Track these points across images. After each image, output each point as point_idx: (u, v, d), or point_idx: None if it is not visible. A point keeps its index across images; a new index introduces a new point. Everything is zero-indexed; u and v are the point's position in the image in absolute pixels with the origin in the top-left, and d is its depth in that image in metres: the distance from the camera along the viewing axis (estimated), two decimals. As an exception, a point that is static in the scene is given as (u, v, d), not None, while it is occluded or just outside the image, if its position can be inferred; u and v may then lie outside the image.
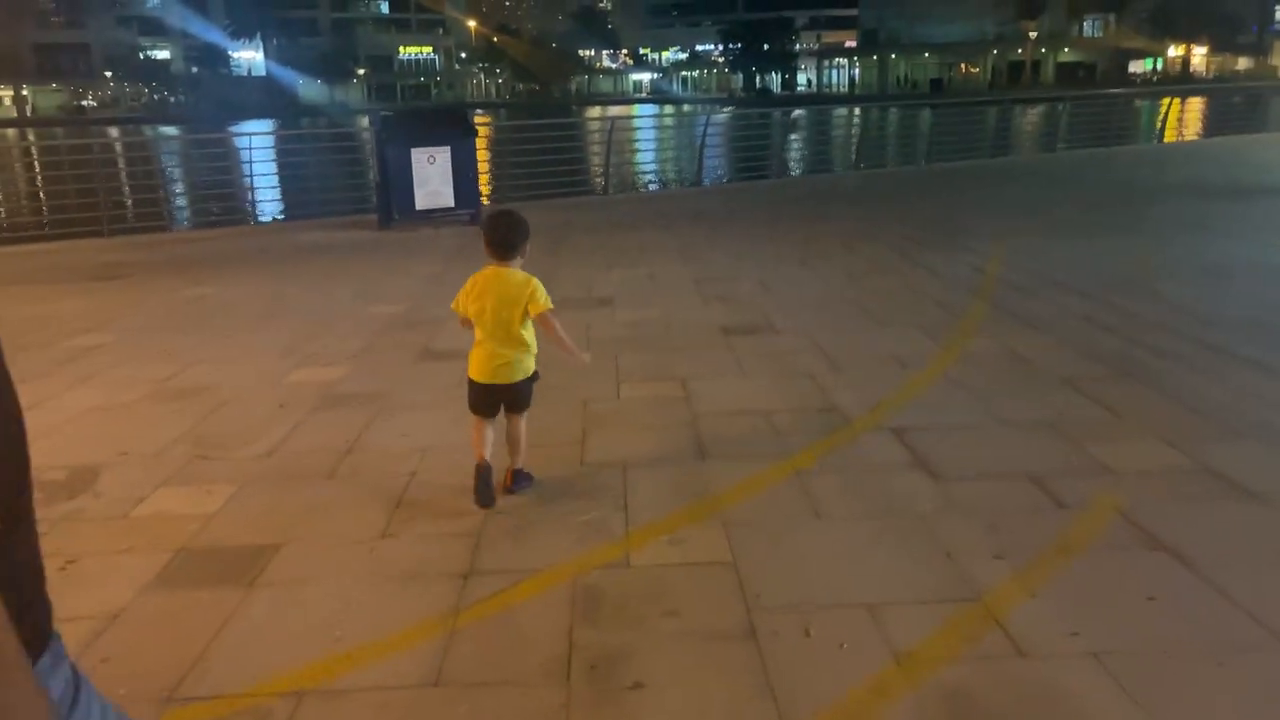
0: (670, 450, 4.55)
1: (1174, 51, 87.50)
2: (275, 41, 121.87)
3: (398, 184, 12.69)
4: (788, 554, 3.49)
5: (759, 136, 24.74)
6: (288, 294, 8.64)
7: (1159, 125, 24.81)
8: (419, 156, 12.72)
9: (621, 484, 4.16)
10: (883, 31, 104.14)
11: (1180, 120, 26.01)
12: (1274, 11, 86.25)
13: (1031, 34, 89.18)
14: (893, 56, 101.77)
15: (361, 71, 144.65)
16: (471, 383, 4.00)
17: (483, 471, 3.95)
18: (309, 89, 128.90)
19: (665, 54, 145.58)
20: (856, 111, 27.53)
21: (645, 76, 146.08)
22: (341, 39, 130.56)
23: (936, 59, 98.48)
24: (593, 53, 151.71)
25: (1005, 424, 4.75)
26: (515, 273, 3.91)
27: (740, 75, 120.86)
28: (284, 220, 15.43)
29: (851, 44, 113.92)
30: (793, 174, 21.14)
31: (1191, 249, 9.26)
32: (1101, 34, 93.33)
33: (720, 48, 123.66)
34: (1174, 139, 24.63)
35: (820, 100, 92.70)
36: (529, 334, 3.95)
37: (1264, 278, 7.89)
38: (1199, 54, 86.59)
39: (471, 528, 3.78)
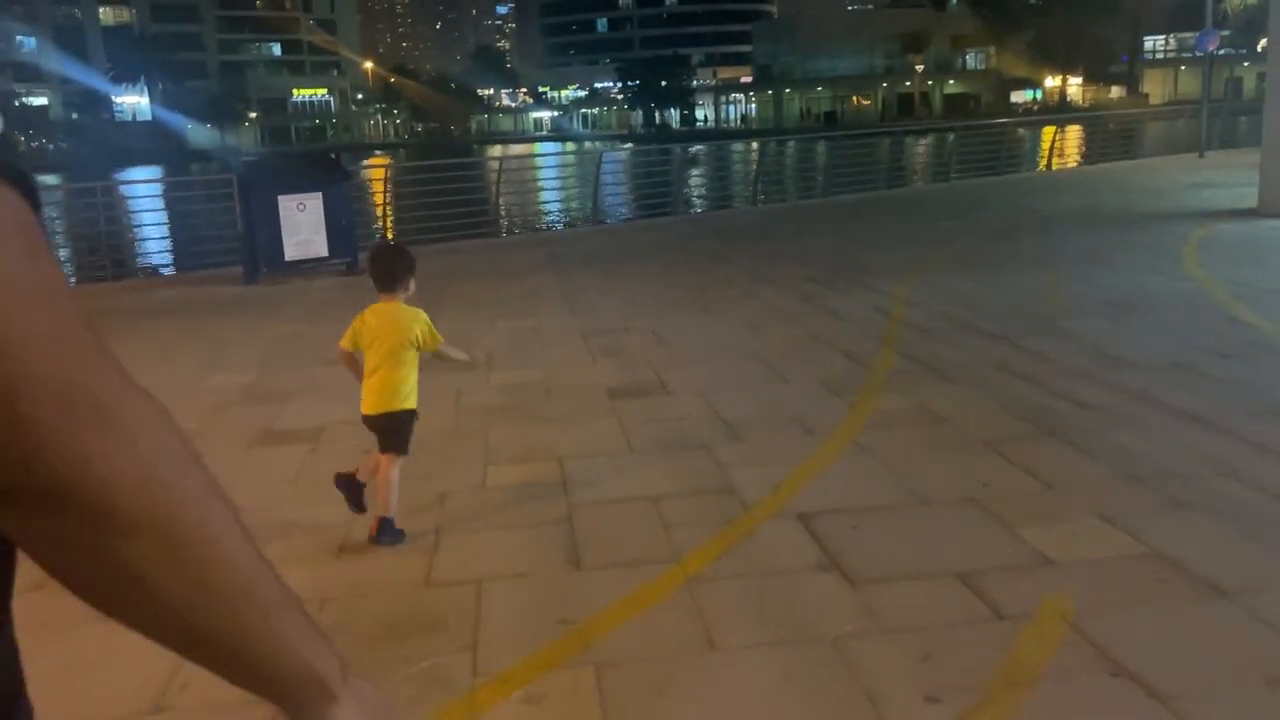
0: (538, 558, 3.81)
1: (1052, 82, 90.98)
2: (161, 85, 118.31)
3: (264, 234, 11.73)
4: (675, 710, 2.77)
5: (659, 173, 24.36)
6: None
7: (1044, 153, 25.24)
8: (287, 204, 11.79)
9: (474, 610, 3.39)
10: (776, 66, 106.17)
11: (1062, 147, 26.46)
12: (1143, 42, 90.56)
13: (918, 67, 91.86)
14: (787, 91, 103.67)
15: (253, 115, 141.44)
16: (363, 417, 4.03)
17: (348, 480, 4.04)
18: (198, 133, 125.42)
19: (565, 92, 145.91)
20: (754, 145, 27.47)
21: (545, 114, 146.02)
22: (231, 81, 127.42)
23: (829, 92, 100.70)
24: (492, 91, 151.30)
25: (926, 504, 4.14)
26: (402, 307, 3.94)
27: (639, 112, 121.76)
28: (142, 277, 14.23)
29: (747, 79, 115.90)
30: (693, 211, 20.71)
31: (1095, 281, 8.93)
32: (984, 66, 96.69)
33: (619, 85, 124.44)
34: (1058, 166, 25.00)
35: (719, 135, 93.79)
36: (411, 369, 3.95)
37: (1173, 310, 7.55)
38: (1075, 84, 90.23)
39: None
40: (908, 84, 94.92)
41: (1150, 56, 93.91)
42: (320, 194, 11.98)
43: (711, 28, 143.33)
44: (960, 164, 22.59)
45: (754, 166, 23.22)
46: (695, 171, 28.45)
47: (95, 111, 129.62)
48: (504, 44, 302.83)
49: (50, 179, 55.93)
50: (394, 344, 3.85)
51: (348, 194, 12.54)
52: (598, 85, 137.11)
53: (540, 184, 25.36)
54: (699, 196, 23.28)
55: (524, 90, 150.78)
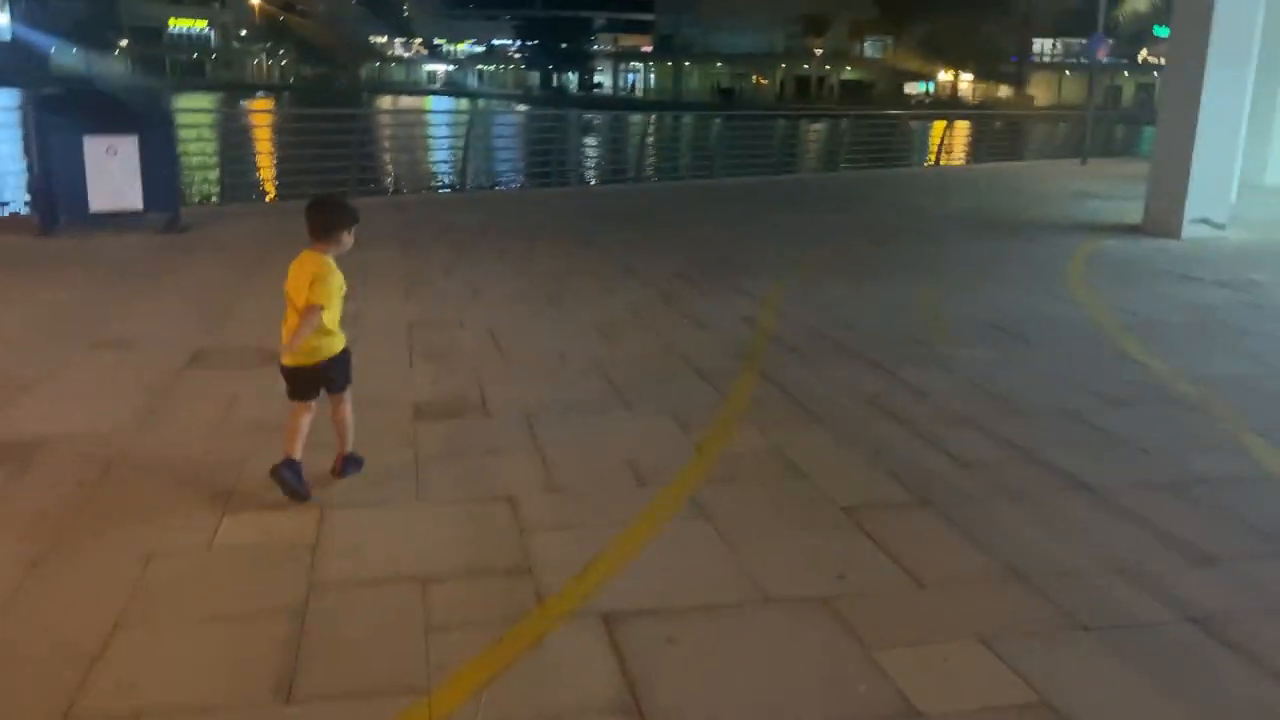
0: (239, 679, 2.77)
1: (944, 76, 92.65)
2: (23, 2, 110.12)
3: (64, 180, 10.19)
4: None
5: (549, 140, 23.09)
6: None
7: (936, 148, 25.02)
8: (94, 146, 10.27)
9: (108, 780, 2.35)
10: (678, 38, 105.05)
11: (950, 144, 26.26)
12: (1032, 44, 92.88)
13: (817, 50, 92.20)
14: (687, 64, 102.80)
15: (125, 42, 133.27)
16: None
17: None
18: (64, 56, 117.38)
19: (461, 46, 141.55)
20: (651, 119, 26.50)
21: (440, 68, 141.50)
22: (101, 5, 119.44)
23: (729, 68, 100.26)
24: (385, 39, 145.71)
25: (768, 603, 3.26)
26: (310, 257, 3.90)
27: (537, 73, 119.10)
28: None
29: (648, 49, 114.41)
30: (574, 184, 19.59)
31: (980, 298, 8.28)
32: (881, 55, 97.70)
33: (517, 44, 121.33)
34: (947, 162, 24.77)
35: (616, 104, 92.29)
36: (328, 317, 3.91)
37: (1061, 342, 6.91)
38: (966, 80, 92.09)
39: None
40: (806, 66, 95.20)
41: (1038, 59, 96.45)
42: (135, 137, 10.49)
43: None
44: (851, 153, 22.09)
45: (647, 140, 22.31)
46: (588, 141, 27.31)
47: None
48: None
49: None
50: (294, 294, 3.87)
51: (171, 138, 11.07)
52: (495, 42, 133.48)
53: (419, 143, 23.77)
54: (587, 167, 22.16)
55: (419, 41, 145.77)
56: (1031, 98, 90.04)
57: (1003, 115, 42.11)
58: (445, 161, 21.77)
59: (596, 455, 4.53)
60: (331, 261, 3.90)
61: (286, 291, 3.88)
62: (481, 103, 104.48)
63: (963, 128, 31.98)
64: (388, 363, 5.94)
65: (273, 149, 20.06)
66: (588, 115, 37.95)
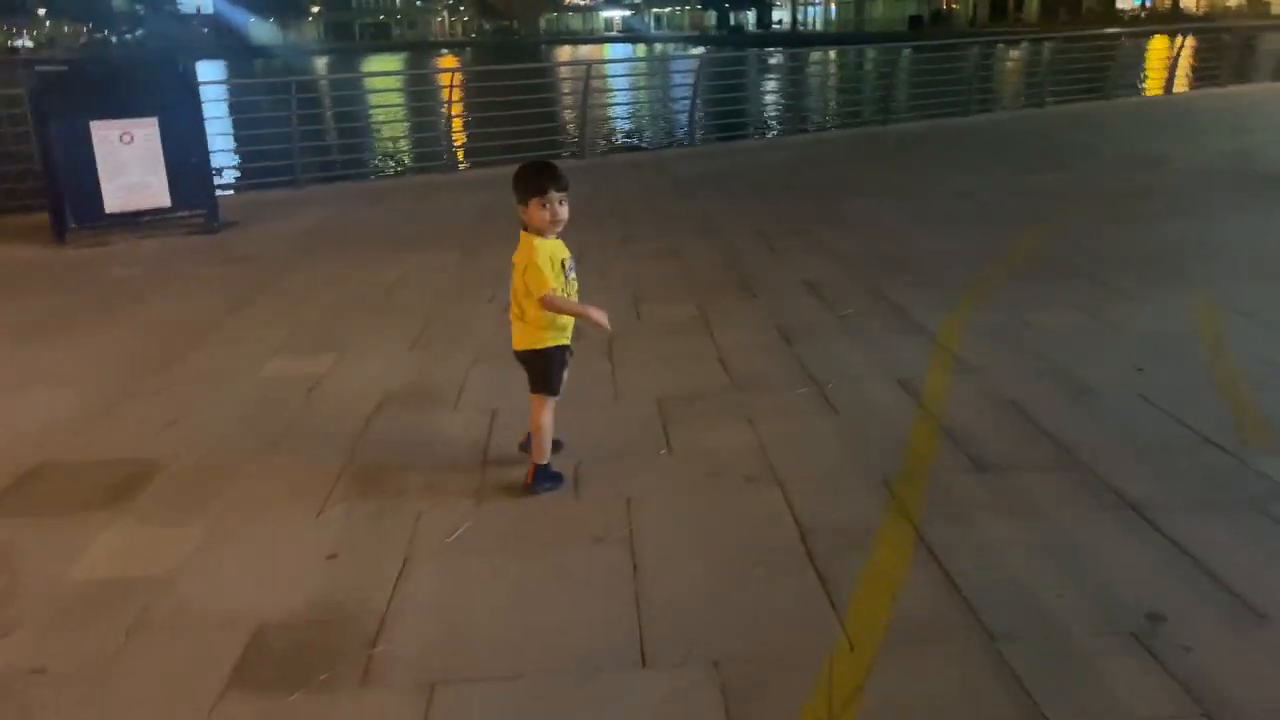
0: None
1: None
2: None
3: (71, 175, 8.47)
4: None
5: (722, 85, 20.19)
6: None
7: (1163, 70, 20.52)
8: (104, 134, 8.49)
9: None
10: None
11: (1186, 64, 21.55)
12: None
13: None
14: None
15: (316, 10, 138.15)
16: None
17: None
18: (260, 29, 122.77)
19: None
20: (832, 55, 23.29)
21: (616, 14, 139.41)
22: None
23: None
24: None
25: None
26: (524, 239, 3.41)
27: (713, 12, 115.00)
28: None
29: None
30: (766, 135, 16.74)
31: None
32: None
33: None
34: (1181, 90, 20.29)
35: (796, 40, 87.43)
36: (531, 306, 3.42)
37: None
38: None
39: None
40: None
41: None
42: (154, 119, 8.66)
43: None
44: (1059, 85, 18.20)
45: (814, 82, 19.22)
46: (768, 85, 24.22)
47: (158, 3, 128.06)
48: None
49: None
50: (514, 279, 3.48)
51: (200, 119, 9.15)
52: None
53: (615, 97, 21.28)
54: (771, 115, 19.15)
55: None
56: (1268, 4, 78.97)
57: (1254, 26, 35.74)
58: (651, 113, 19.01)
59: None
60: (538, 242, 3.38)
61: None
62: (659, 47, 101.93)
63: (1192, 46, 26.73)
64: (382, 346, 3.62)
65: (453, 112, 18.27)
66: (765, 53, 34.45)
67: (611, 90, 22.03)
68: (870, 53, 29.61)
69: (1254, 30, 30.13)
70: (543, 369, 3.50)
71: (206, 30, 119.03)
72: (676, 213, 9.04)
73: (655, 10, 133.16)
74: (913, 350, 4.94)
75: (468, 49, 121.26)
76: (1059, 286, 6.02)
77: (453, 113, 14.03)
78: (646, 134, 18.10)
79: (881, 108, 16.20)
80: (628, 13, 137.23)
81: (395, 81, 27.09)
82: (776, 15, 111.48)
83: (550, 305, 3.34)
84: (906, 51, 16.65)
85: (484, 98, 17.01)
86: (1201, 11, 76.40)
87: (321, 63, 78.98)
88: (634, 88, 22.44)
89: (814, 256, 7.09)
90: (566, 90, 17.85)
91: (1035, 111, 17.38)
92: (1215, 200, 8.54)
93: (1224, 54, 23.82)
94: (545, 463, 3.56)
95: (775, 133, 16.26)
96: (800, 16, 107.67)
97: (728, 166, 11.94)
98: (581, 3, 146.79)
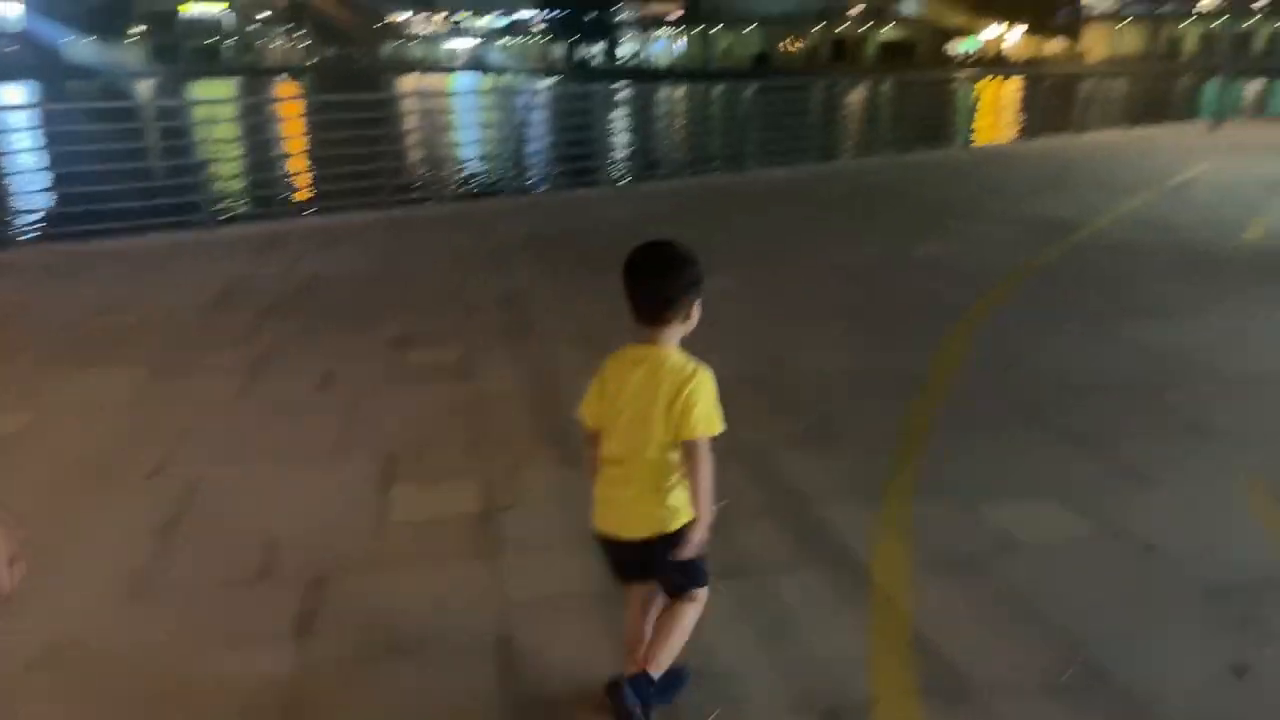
0: None
1: (990, 33, 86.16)
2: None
3: None
4: None
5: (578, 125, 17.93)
6: None
7: (1019, 116, 19.70)
8: None
9: None
10: (705, 3, 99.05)
11: (1033, 109, 20.80)
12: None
13: (854, 10, 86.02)
14: (717, 29, 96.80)
15: (141, 29, 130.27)
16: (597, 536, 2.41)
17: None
18: (78, 48, 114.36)
19: (484, 20, 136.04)
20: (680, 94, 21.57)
21: (462, 44, 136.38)
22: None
23: (762, 32, 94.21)
24: (406, 16, 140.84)
25: None
26: (671, 354, 2.27)
27: (562, 46, 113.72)
28: None
29: (677, 14, 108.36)
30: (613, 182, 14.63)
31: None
32: (923, 12, 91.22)
33: (540, 15, 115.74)
34: (1038, 136, 19.47)
35: (641, 75, 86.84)
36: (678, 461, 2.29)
37: None
38: (1011, 38, 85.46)
39: None
40: (843, 28, 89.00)
41: (1091, 10, 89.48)
42: None
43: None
44: (911, 130, 16.97)
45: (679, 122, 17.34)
46: (616, 123, 22.15)
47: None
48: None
49: None
50: (647, 419, 2.24)
51: None
52: (519, 15, 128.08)
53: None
54: (604, 160, 17.07)
55: (440, 16, 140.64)
56: (1083, 54, 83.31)
57: (1083, 73, 36.35)
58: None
59: None
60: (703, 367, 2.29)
61: (613, 416, 2.29)
62: (506, 78, 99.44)
63: (1026, 90, 26.39)
64: None
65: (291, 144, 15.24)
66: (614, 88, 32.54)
67: (446, 128, 19.75)
68: (721, 91, 28.29)
69: (1091, 75, 30.35)
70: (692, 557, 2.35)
71: (17, 47, 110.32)
72: (483, 296, 6.87)
73: (501, 41, 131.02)
74: (843, 631, 2.88)
75: (304, 75, 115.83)
76: (1024, 449, 4.14)
77: (225, 153, 11.44)
78: (478, 178, 15.86)
79: (736, 152, 14.49)
80: (474, 43, 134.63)
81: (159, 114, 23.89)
82: (624, 50, 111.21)
83: (697, 466, 2.25)
84: (752, 91, 15.01)
85: (278, 133, 14.47)
86: (1023, 58, 79.86)
87: (145, 86, 73.26)
88: (462, 126, 20.18)
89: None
90: (390, 124, 15.49)
91: (894, 159, 16.07)
92: (1173, 289, 6.92)
93: (1071, 100, 23.47)
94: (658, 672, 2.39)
95: (621, 180, 14.27)
96: (648, 51, 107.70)
97: (561, 224, 9.88)
98: (426, 32, 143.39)
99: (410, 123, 15.30)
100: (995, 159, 15.66)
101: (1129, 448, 4.10)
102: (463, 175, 15.59)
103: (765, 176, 13.52)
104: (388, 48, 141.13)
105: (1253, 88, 26.17)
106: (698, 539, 2.25)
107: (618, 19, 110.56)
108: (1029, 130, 19.15)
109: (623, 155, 17.45)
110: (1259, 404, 4.64)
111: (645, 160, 17.29)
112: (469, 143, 17.64)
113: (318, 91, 57.34)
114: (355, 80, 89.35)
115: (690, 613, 2.39)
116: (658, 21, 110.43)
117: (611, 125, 19.67)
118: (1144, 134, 19.60)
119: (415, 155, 13.64)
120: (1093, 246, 8.23)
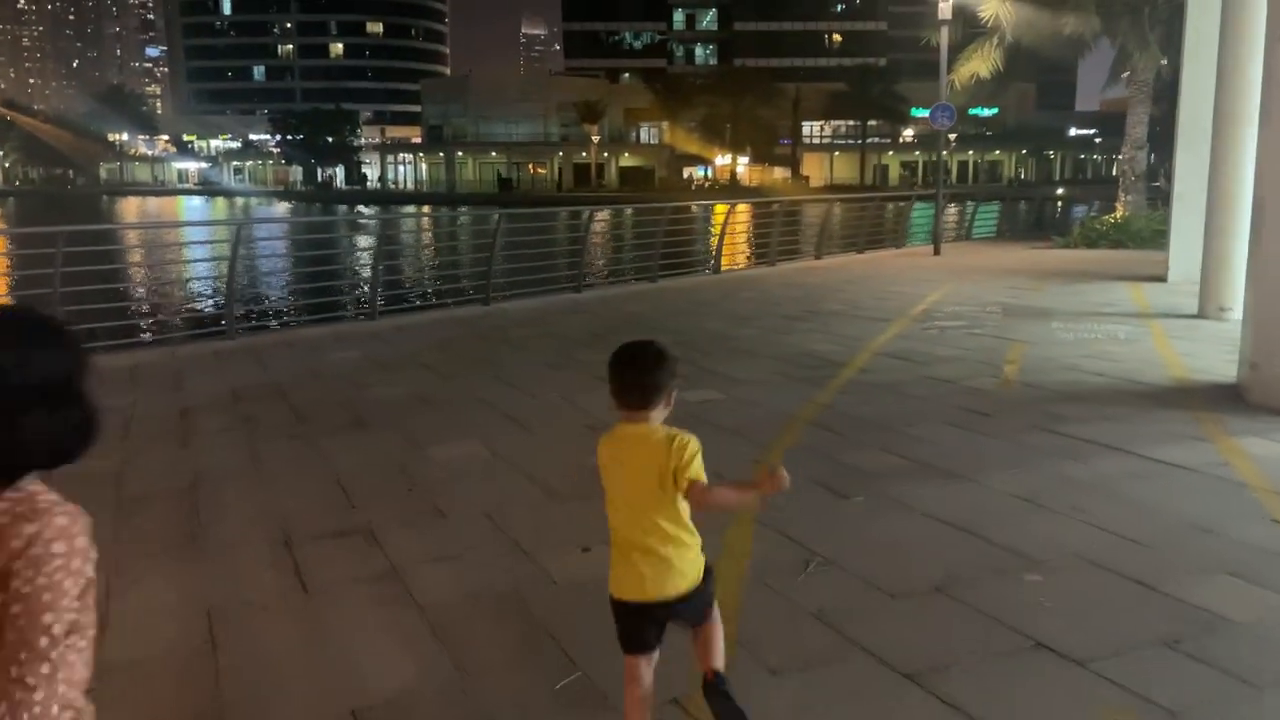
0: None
1: (723, 160, 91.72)
2: None
3: None
4: None
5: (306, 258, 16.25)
6: None
7: (766, 243, 20.11)
8: None
9: None
10: (447, 127, 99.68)
11: (774, 236, 21.41)
12: (801, 127, 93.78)
13: (595, 137, 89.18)
14: (459, 154, 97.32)
15: None
16: (616, 604, 2.59)
17: None
18: None
19: (215, 142, 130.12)
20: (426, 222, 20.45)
21: (191, 165, 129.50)
22: None
23: (504, 157, 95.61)
24: (125, 137, 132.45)
25: None
26: (655, 429, 2.57)
27: (299, 168, 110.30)
28: None
29: (418, 139, 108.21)
30: (340, 319, 13.12)
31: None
32: (659, 140, 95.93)
33: (276, 137, 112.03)
34: (786, 264, 19.89)
35: (386, 198, 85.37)
36: (683, 513, 2.56)
37: None
38: (742, 163, 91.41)
39: None
40: (584, 154, 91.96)
41: (808, 141, 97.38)
42: None
43: (381, 84, 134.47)
44: (664, 256, 16.78)
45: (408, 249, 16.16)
46: (356, 250, 20.64)
47: None
48: (155, 89, 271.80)
49: None
50: (644, 488, 2.52)
51: None
52: (254, 137, 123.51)
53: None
54: (336, 292, 15.58)
55: (165, 138, 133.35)
56: (806, 179, 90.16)
57: (801, 199, 38.65)
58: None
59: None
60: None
61: (615, 490, 2.59)
62: (240, 201, 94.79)
63: (760, 216, 27.53)
64: None
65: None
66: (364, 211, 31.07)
67: (159, 263, 17.68)
68: (466, 217, 27.56)
69: (818, 201, 32.19)
70: (710, 591, 2.66)
71: None
72: (155, 483, 5.36)
73: (236, 163, 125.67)
74: None
75: (9, 198, 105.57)
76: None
77: None
78: (180, 318, 14.06)
79: (482, 283, 13.54)
80: (205, 164, 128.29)
81: None
82: (366, 172, 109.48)
83: (708, 499, 2.54)
84: (499, 219, 14.19)
85: None
86: (754, 183, 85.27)
87: None
88: (175, 261, 18.16)
89: (385, 611, 3.80)
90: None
91: (648, 286, 15.70)
92: (951, 439, 6.45)
93: (801, 225, 24.49)
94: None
95: (351, 315, 12.89)
96: (391, 175, 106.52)
97: (269, 376, 8.43)
98: (151, 152, 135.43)
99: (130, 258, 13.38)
100: (743, 285, 15.58)
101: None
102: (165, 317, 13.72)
103: (518, 309, 12.63)
104: (108, 168, 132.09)
105: (955, 212, 28.43)
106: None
107: (358, 142, 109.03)
108: (769, 255, 19.51)
109: (363, 286, 16.13)
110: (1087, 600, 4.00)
111: (385, 288, 16.06)
112: (188, 278, 15.79)
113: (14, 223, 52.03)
114: (71, 205, 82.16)
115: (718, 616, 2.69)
116: (400, 146, 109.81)
117: (355, 254, 18.37)
118: (874, 258, 20.50)
119: (117, 291, 11.81)
120: (860, 386, 7.76)
